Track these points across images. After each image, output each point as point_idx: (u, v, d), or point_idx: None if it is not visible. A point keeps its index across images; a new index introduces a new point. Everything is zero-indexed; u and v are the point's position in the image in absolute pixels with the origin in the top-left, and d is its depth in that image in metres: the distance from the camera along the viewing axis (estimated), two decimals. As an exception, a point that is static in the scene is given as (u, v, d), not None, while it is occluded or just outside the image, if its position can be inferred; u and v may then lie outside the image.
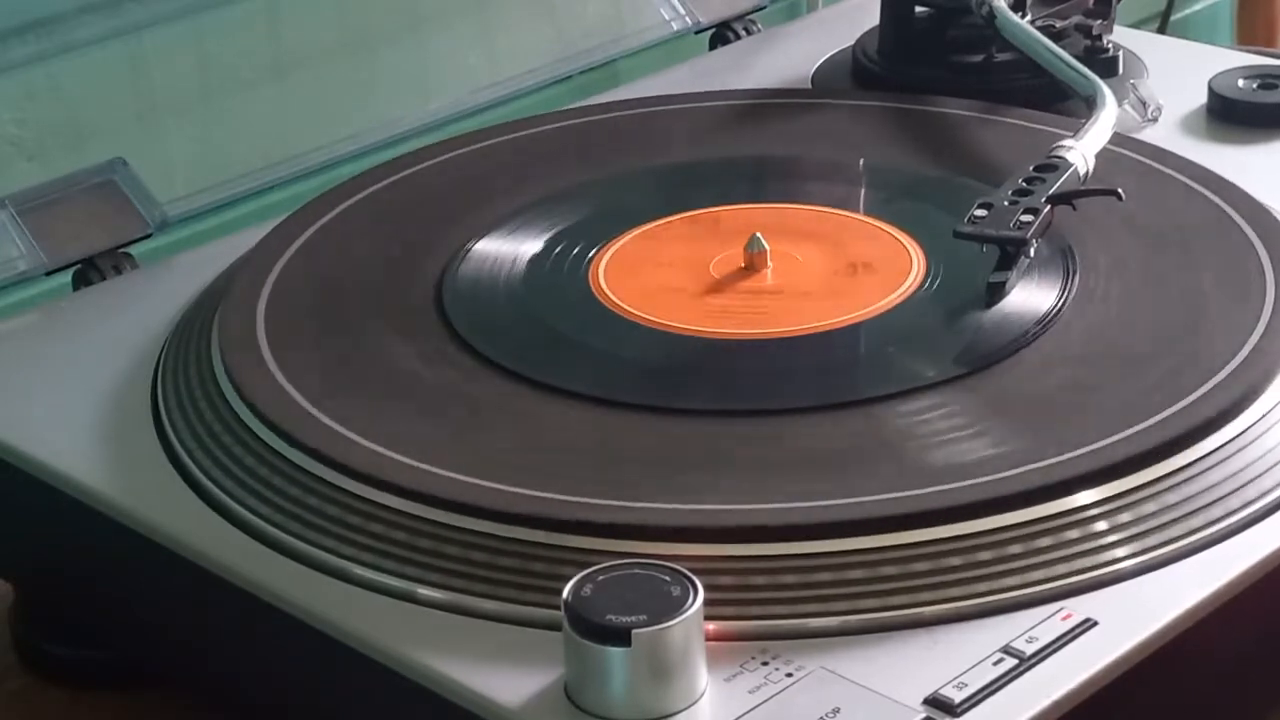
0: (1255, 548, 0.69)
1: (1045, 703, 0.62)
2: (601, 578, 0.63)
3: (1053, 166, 0.86)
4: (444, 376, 0.79)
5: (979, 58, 1.04)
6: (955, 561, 0.66)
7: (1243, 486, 0.70)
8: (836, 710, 0.62)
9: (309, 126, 1.08)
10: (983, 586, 0.66)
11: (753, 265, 0.85)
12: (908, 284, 0.83)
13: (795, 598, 0.66)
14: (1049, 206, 0.84)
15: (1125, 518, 0.68)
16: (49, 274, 0.95)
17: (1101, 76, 0.97)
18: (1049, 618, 0.65)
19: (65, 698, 0.83)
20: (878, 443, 0.73)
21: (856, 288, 0.83)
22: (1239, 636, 0.69)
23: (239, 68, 1.09)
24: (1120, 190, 0.84)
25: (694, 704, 0.62)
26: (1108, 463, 0.69)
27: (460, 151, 1.00)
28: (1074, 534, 0.68)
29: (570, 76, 1.18)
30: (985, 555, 0.67)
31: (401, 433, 0.74)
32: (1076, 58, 0.99)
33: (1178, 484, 0.70)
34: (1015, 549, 0.67)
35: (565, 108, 1.07)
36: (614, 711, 0.61)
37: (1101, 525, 0.68)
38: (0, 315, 0.96)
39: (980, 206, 0.84)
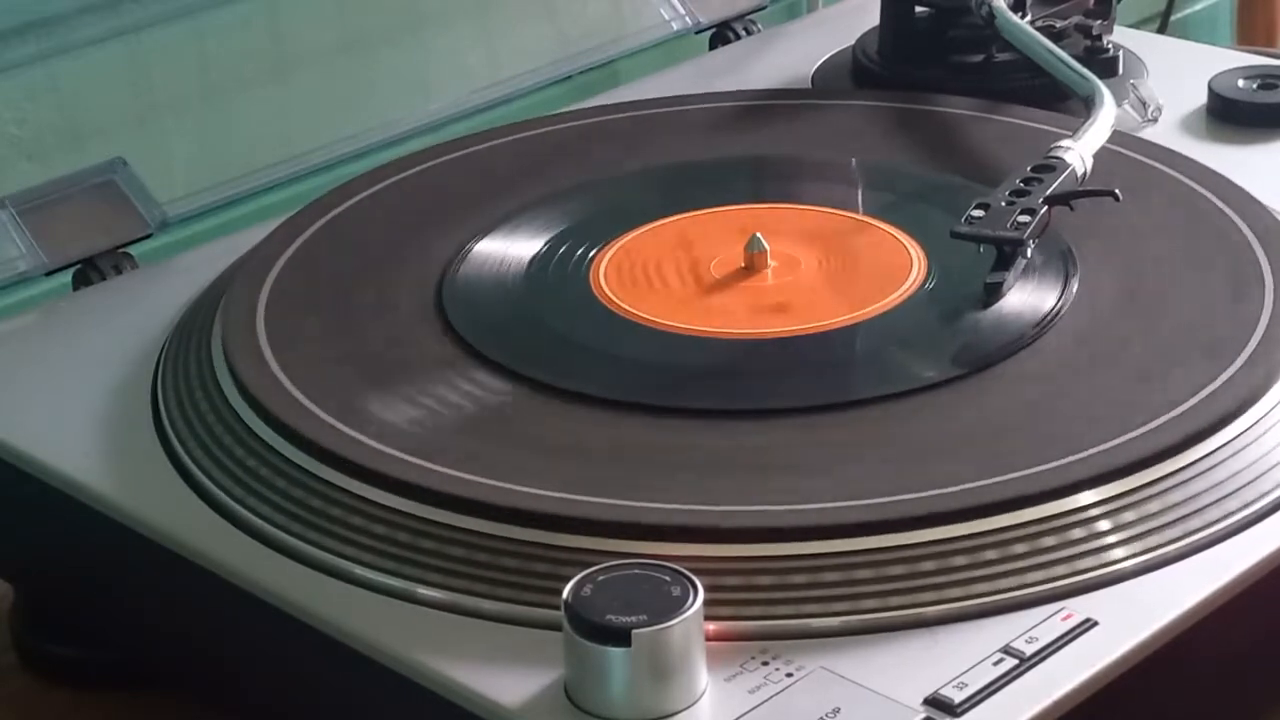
0: (1255, 548, 0.69)
1: (1045, 703, 0.62)
2: (601, 578, 0.63)
3: (1050, 167, 0.86)
4: (444, 376, 0.79)
5: (979, 58, 1.04)
6: (955, 562, 0.66)
7: (1242, 487, 0.70)
8: (836, 710, 0.62)
9: (309, 126, 1.08)
10: (983, 587, 0.66)
11: (753, 265, 0.85)
12: (907, 284, 0.83)
13: (795, 598, 0.66)
14: (1046, 207, 0.84)
15: (1125, 518, 0.68)
16: (49, 274, 0.95)
17: (1101, 76, 0.97)
18: (1049, 618, 0.65)
19: (65, 698, 0.83)
20: (877, 443, 0.73)
21: (856, 288, 0.83)
22: (1239, 636, 0.69)
23: (239, 68, 1.09)
24: (1117, 191, 0.84)
25: (694, 704, 0.62)
26: (1108, 464, 0.69)
27: (460, 152, 1.00)
28: (1074, 534, 0.68)
29: (570, 76, 1.18)
30: (985, 556, 0.67)
31: (401, 432, 0.74)
32: (1076, 58, 0.99)
33: (1178, 484, 0.70)
34: (1015, 550, 0.67)
35: (565, 108, 1.07)
36: (614, 711, 0.61)
37: (1102, 526, 0.68)
38: (0, 315, 0.96)
39: (977, 207, 0.84)
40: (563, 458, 0.73)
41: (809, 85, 1.09)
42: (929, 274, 0.84)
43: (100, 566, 0.79)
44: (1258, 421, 0.73)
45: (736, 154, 0.98)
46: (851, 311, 0.81)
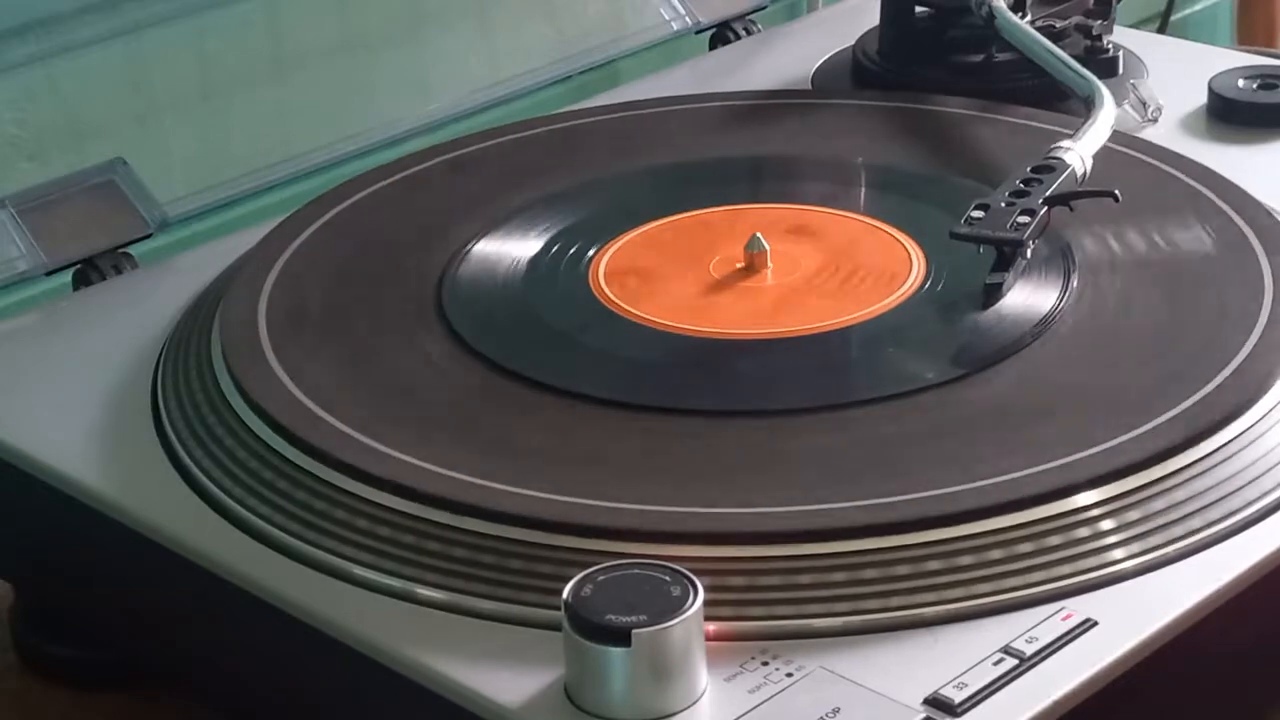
0: (1255, 548, 0.69)
1: (1045, 703, 0.62)
2: (601, 578, 0.63)
3: (1050, 168, 0.86)
4: (443, 376, 0.79)
5: (979, 58, 1.04)
6: (955, 562, 0.66)
7: (1243, 487, 0.70)
8: (836, 710, 0.62)
9: (309, 126, 1.08)
10: (983, 587, 0.66)
11: (753, 265, 0.85)
12: (907, 284, 0.83)
13: (795, 598, 0.66)
14: (1046, 208, 0.84)
15: (1125, 518, 0.68)
16: (49, 274, 0.95)
17: (1101, 77, 0.97)
18: (1049, 618, 0.65)
19: (65, 698, 0.83)
20: (877, 444, 0.73)
21: (856, 288, 0.83)
22: (1239, 636, 0.69)
23: (239, 68, 1.09)
24: (1116, 192, 0.84)
25: (694, 704, 0.62)
26: (1108, 464, 0.69)
27: (460, 152, 1.00)
28: (1074, 534, 0.68)
29: (570, 76, 1.18)
30: (985, 556, 0.67)
31: (401, 432, 0.74)
32: (1076, 58, 0.99)
33: (1178, 484, 0.70)
34: (1015, 550, 0.67)
35: (565, 108, 1.07)
36: (614, 711, 0.61)
37: (1102, 526, 0.68)
38: (0, 315, 0.96)
39: (977, 207, 0.84)
40: (563, 458, 0.73)
41: (809, 85, 1.09)
42: (929, 274, 0.84)
43: (100, 566, 0.79)
44: (1258, 421, 0.73)
45: (736, 154, 0.98)
46: (852, 312, 0.81)
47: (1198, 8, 1.80)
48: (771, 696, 0.62)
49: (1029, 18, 1.03)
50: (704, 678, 0.62)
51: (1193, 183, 0.90)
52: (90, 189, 0.97)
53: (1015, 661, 0.63)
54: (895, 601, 0.66)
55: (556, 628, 0.63)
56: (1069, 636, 0.64)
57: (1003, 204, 0.84)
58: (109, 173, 0.98)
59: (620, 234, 0.89)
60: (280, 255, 0.89)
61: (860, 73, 1.08)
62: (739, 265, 0.85)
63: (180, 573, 0.73)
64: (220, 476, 0.75)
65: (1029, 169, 0.86)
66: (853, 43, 1.11)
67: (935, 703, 0.62)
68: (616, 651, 0.61)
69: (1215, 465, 0.71)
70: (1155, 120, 1.00)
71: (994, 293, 0.81)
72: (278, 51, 1.11)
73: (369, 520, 0.71)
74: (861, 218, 0.90)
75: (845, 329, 0.80)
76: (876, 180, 0.95)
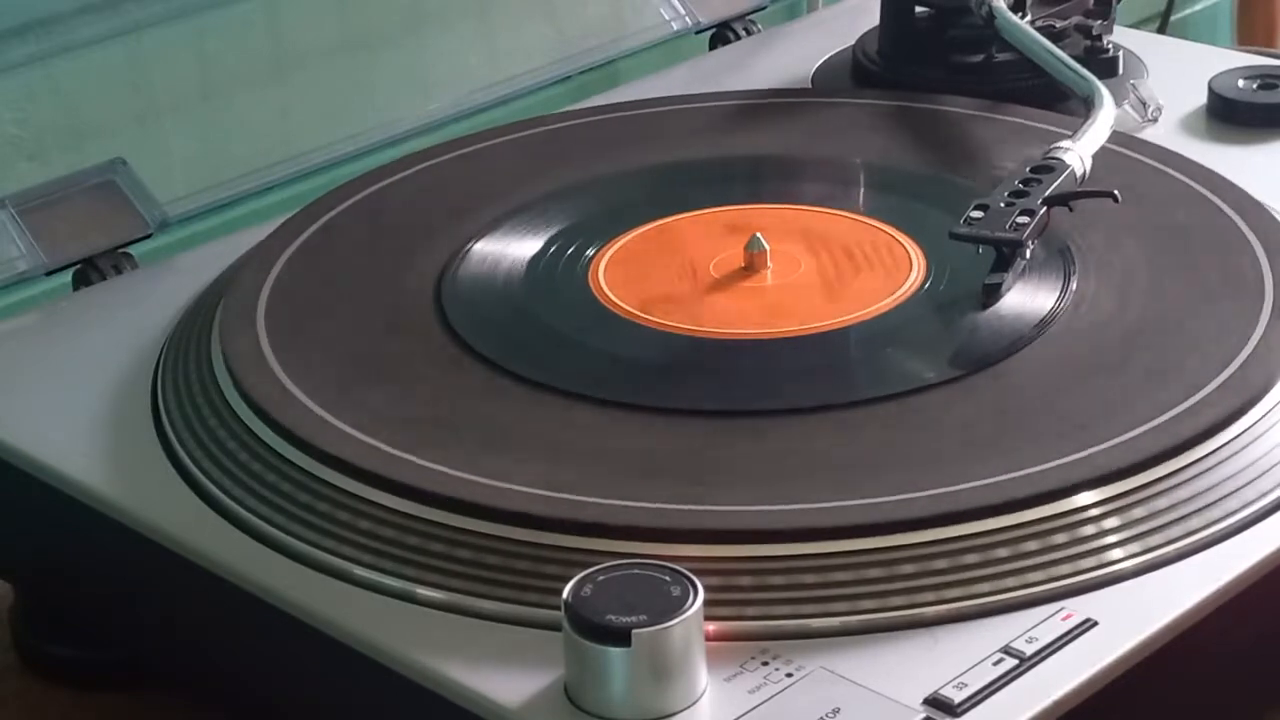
0: (1255, 548, 0.69)
1: (1045, 703, 0.62)
2: (601, 578, 0.63)
3: (1049, 168, 0.86)
4: (443, 376, 0.79)
5: (979, 58, 1.04)
6: (955, 562, 0.66)
7: (1242, 487, 0.70)
8: (836, 710, 0.62)
9: (309, 126, 1.08)
10: (983, 587, 0.66)
11: (753, 265, 0.85)
12: (907, 285, 0.83)
13: (795, 598, 0.66)
14: (1045, 208, 0.84)
15: (1126, 518, 0.68)
16: (49, 274, 0.95)
17: (1101, 77, 0.97)
18: (1049, 618, 0.65)
19: (65, 698, 0.83)
20: (876, 444, 0.73)
21: (856, 288, 0.83)
22: (1239, 636, 0.69)
23: (239, 68, 1.10)
24: (1116, 192, 0.84)
25: (694, 704, 0.62)
26: (1108, 464, 0.69)
27: (460, 152, 1.00)
28: (1074, 534, 0.68)
29: (570, 76, 1.18)
30: (985, 556, 0.67)
31: (401, 432, 0.74)
32: (1076, 58, 0.99)
33: (1178, 484, 0.70)
34: (1015, 549, 0.67)
35: (565, 108, 1.07)
36: (614, 711, 0.61)
37: (1102, 526, 0.68)
38: (0, 315, 0.96)
39: (976, 208, 0.84)
40: (563, 458, 0.73)
41: (809, 85, 1.09)
42: (928, 274, 0.84)
43: (100, 566, 0.79)
44: (1258, 421, 0.73)
45: (736, 154, 0.98)
46: (851, 312, 0.81)
47: (1198, 8, 1.80)
48: (771, 697, 0.62)
49: (1029, 18, 1.03)
50: (704, 678, 0.62)
51: (1193, 183, 0.90)
52: (90, 189, 0.97)
53: (1015, 661, 0.63)
54: (895, 601, 0.66)
55: (556, 628, 0.63)
56: (1069, 636, 0.64)
57: (1002, 204, 0.84)
58: (109, 173, 0.98)
59: (620, 234, 0.89)
60: (280, 256, 0.89)
61: (860, 73, 1.08)
62: (739, 265, 0.85)
63: (180, 573, 0.73)
64: (220, 477, 0.75)
65: (1028, 169, 0.86)
66: (853, 43, 1.11)
67: (935, 703, 0.62)
68: (616, 651, 0.61)
69: (1215, 465, 0.71)
70: (1155, 120, 1.00)
71: (993, 293, 0.81)
72: (278, 51, 1.11)
73: (369, 520, 0.71)
74: (861, 218, 0.90)
75: (845, 329, 0.80)
76: (876, 180, 0.95)
